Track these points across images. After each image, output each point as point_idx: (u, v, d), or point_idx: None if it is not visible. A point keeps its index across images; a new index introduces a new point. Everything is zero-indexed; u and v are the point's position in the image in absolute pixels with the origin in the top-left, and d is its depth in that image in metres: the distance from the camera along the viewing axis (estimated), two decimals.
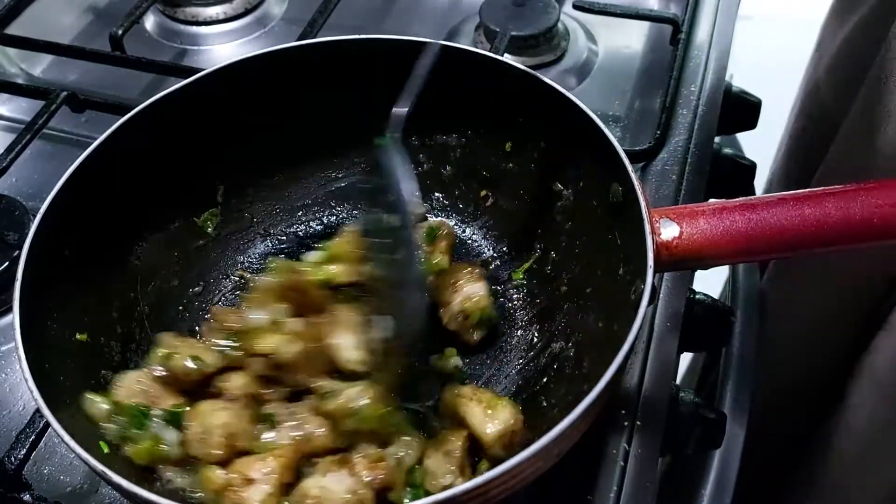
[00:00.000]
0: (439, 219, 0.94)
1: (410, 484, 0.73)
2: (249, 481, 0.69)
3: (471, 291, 0.84)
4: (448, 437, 0.74)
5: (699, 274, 0.92)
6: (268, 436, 0.74)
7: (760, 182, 1.30)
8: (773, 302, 1.19)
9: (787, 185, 1.29)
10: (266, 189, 0.95)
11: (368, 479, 0.71)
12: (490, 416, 0.74)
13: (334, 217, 0.97)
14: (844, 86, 1.09)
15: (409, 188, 0.73)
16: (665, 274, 0.92)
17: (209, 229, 0.92)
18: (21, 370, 0.66)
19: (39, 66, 1.21)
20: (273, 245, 0.95)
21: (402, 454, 0.73)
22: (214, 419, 0.72)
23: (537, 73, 0.84)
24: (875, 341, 0.98)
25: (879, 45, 0.97)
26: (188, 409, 0.74)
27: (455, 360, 0.83)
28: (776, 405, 1.18)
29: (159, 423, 0.72)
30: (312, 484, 0.70)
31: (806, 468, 1.13)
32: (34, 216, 0.75)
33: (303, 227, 0.96)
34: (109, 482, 0.62)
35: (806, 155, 1.23)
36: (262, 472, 0.70)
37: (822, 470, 1.10)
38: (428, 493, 0.71)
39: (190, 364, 0.76)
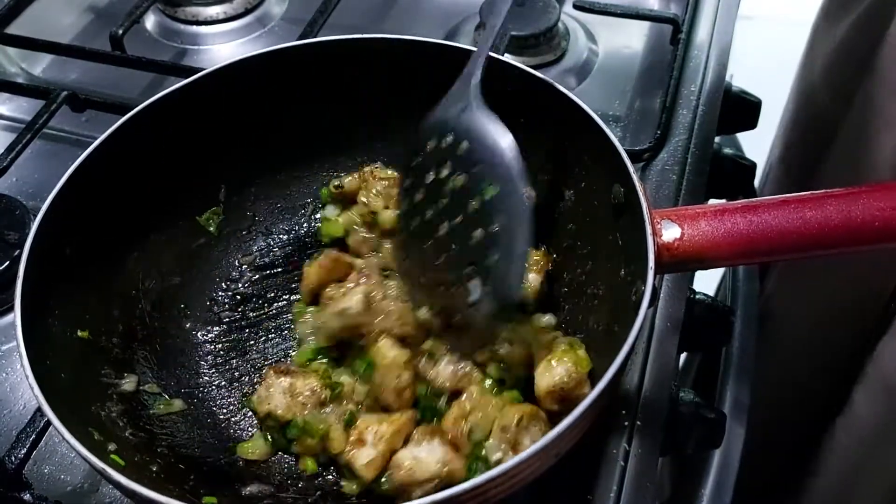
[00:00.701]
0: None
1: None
2: (360, 443, 0.73)
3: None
4: (509, 410, 0.75)
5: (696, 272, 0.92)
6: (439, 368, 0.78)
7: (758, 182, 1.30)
8: (776, 305, 1.19)
9: (785, 187, 1.29)
10: (268, 187, 0.95)
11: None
12: (549, 367, 0.75)
13: None
14: (841, 87, 1.09)
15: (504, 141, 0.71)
16: (665, 274, 0.92)
17: (211, 228, 0.92)
18: (22, 368, 0.66)
19: (39, 66, 1.21)
20: (275, 243, 0.95)
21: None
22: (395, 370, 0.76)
23: (538, 73, 0.84)
24: (881, 345, 0.98)
25: (875, 45, 0.97)
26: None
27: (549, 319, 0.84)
28: (778, 407, 1.18)
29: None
30: (406, 455, 0.72)
31: (807, 468, 1.13)
32: (35, 216, 0.75)
33: (305, 225, 0.96)
34: (110, 480, 0.63)
35: (803, 157, 1.23)
36: (375, 434, 0.73)
37: (823, 471, 1.10)
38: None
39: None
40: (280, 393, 0.78)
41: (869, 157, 0.97)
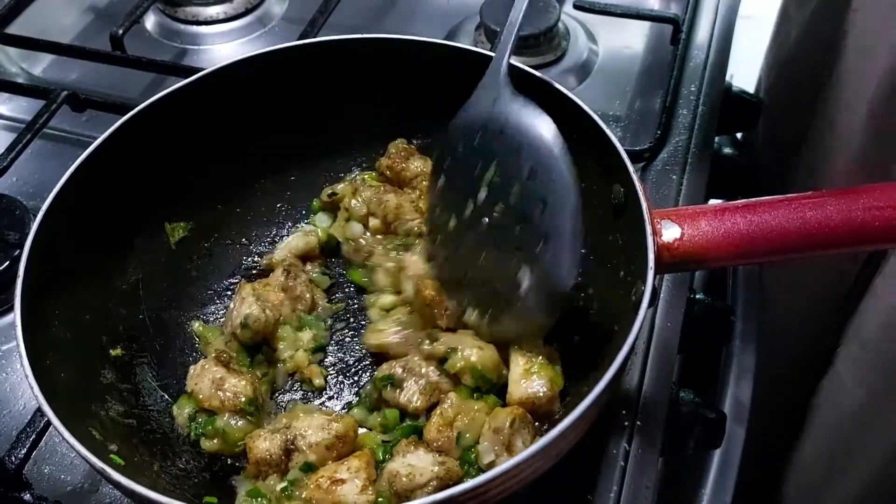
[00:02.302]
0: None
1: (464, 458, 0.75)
2: (340, 482, 0.71)
3: None
4: (500, 413, 0.75)
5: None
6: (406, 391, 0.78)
7: None
8: (769, 281, 1.19)
9: (773, 184, 1.29)
10: (268, 187, 0.95)
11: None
12: (525, 377, 0.75)
13: None
14: (816, 62, 1.08)
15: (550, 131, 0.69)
16: (665, 274, 0.92)
17: None
18: (22, 368, 0.66)
19: (40, 66, 1.21)
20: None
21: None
22: None
23: (539, 73, 0.84)
24: (861, 305, 0.97)
25: (839, 28, 0.96)
26: None
27: None
28: (774, 381, 1.17)
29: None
30: (398, 465, 0.72)
31: (802, 439, 1.13)
32: (35, 215, 0.75)
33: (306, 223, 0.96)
34: (110, 480, 0.63)
35: (786, 141, 1.22)
36: (350, 470, 0.72)
37: (816, 438, 1.10)
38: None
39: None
40: (209, 380, 0.77)
41: (834, 134, 0.97)
